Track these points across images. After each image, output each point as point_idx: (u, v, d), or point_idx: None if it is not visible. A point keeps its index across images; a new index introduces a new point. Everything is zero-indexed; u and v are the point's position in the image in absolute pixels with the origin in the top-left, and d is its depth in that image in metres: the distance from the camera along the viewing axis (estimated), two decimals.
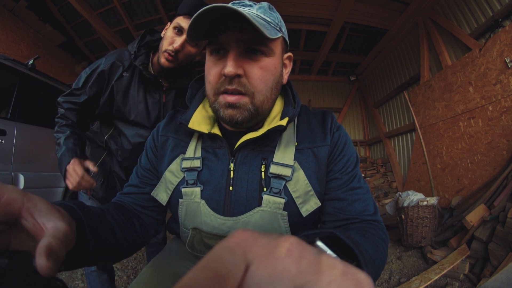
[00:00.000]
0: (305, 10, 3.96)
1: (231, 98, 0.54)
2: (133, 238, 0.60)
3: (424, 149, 3.44)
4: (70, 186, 1.01)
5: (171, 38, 1.00)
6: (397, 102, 5.00)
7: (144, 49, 1.10)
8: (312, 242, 0.27)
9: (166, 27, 1.05)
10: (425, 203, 2.42)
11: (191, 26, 0.52)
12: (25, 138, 2.41)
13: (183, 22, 0.98)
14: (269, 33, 0.51)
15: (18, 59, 2.75)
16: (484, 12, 3.02)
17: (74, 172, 1.00)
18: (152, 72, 1.12)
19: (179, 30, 0.99)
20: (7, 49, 4.01)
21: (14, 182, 2.27)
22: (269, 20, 0.55)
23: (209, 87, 0.58)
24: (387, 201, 3.91)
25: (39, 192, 2.52)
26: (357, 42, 5.35)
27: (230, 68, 0.52)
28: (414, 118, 3.84)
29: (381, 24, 4.28)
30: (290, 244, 0.15)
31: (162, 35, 1.06)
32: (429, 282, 1.78)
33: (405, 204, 2.49)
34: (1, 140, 2.19)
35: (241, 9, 0.48)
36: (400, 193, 2.69)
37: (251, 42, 0.53)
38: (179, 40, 0.99)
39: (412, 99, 4.12)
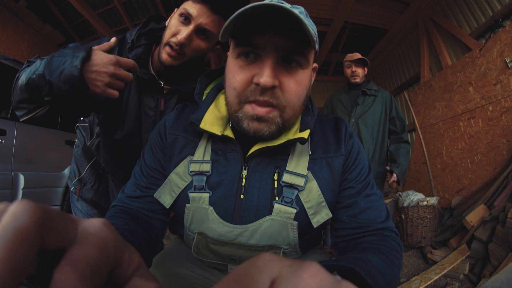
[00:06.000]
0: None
1: (261, 110, 0.49)
2: (152, 250, 0.58)
3: (424, 149, 3.44)
4: (98, 89, 0.67)
5: (176, 28, 0.78)
6: (397, 102, 5.00)
7: (145, 39, 0.86)
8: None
9: (172, 14, 0.83)
10: (425, 203, 2.42)
11: (227, 27, 0.46)
12: (25, 138, 2.41)
13: (191, 8, 0.76)
14: (315, 42, 0.46)
15: (18, 59, 2.75)
16: (484, 12, 3.02)
17: (101, 59, 0.66)
18: (152, 69, 0.89)
19: (186, 18, 0.77)
20: (7, 49, 4.00)
21: (14, 182, 2.27)
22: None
23: (232, 94, 0.52)
24: (387, 201, 3.89)
25: (39, 192, 2.52)
26: (357, 42, 5.35)
27: (267, 78, 0.46)
28: (414, 118, 3.84)
29: (381, 24, 4.28)
30: (314, 268, 0.16)
31: (166, 23, 0.84)
32: (429, 282, 1.78)
33: (405, 204, 2.49)
34: (1, 140, 2.18)
35: (288, 7, 0.42)
36: (400, 193, 2.69)
37: (292, 50, 0.47)
38: (185, 31, 0.77)
39: (412, 99, 4.12)
